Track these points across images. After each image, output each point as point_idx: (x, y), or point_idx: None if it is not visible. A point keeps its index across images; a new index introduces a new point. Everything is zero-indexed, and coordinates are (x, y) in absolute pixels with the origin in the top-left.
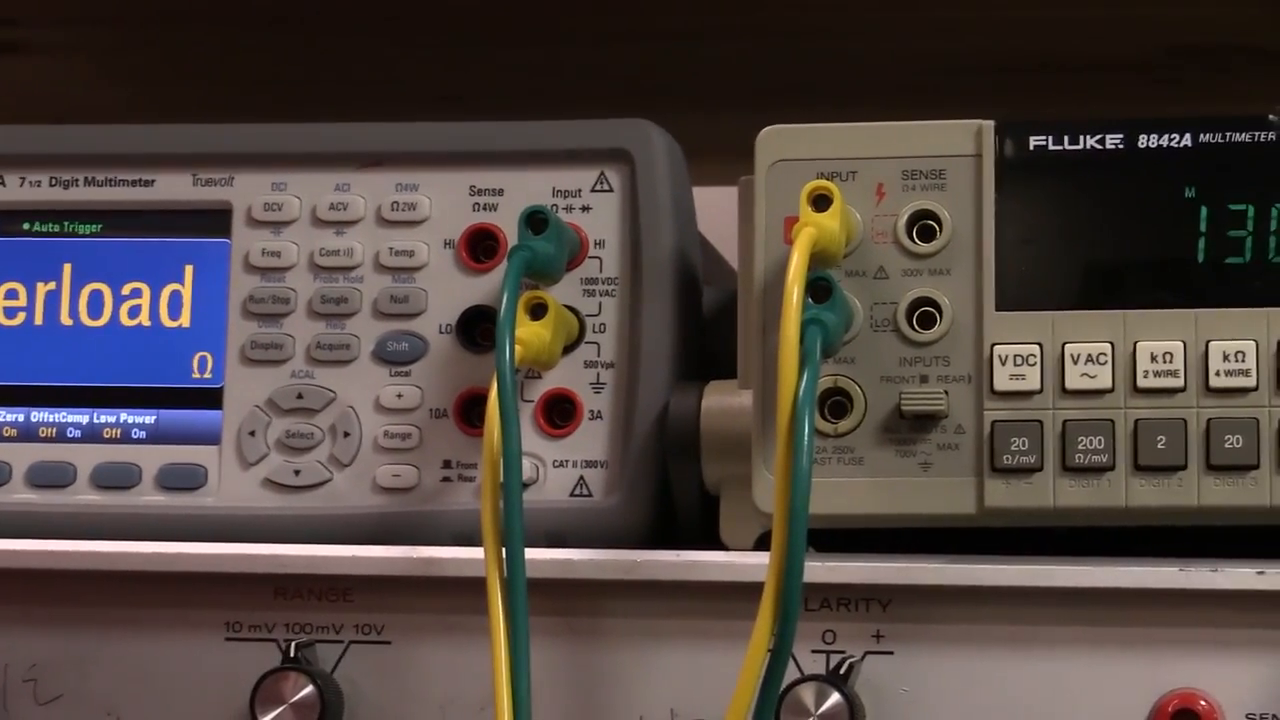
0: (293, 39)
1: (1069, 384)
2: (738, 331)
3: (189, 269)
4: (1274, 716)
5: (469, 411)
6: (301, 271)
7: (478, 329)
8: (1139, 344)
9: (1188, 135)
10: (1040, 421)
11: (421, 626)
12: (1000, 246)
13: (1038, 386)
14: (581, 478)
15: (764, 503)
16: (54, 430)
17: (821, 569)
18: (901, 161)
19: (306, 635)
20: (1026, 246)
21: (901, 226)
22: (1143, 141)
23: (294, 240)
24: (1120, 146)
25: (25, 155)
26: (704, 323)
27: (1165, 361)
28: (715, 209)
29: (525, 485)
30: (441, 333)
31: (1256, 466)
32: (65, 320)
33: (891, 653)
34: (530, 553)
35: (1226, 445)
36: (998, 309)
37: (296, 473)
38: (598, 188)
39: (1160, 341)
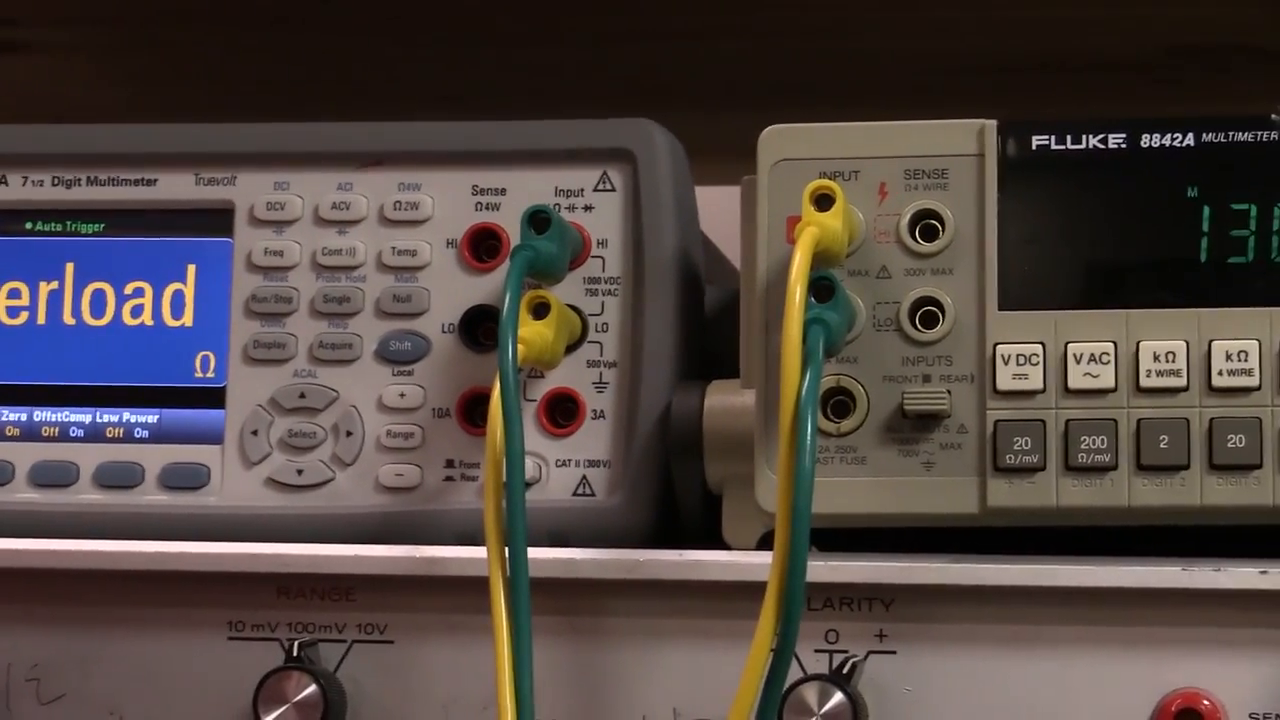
0: (293, 39)
1: (1072, 384)
2: (740, 331)
3: (191, 268)
4: (1277, 716)
5: (471, 411)
6: (304, 271)
7: (480, 328)
8: (1142, 344)
9: (1190, 135)
10: (1043, 421)
11: (424, 626)
12: (1003, 246)
13: (1040, 386)
14: (584, 477)
15: (767, 502)
16: (57, 430)
17: (824, 568)
18: (904, 161)
19: (309, 635)
20: (1029, 246)
21: (904, 226)
22: (1145, 141)
23: (296, 240)
24: (1123, 146)
25: (27, 155)
26: (706, 322)
27: (1168, 361)
28: (717, 208)
29: (528, 485)
30: (444, 332)
31: (1259, 466)
32: (68, 320)
33: (894, 652)
34: (533, 552)
35: (1229, 445)
36: (1000, 308)
37: (299, 472)
38: (600, 187)
39: (1163, 341)
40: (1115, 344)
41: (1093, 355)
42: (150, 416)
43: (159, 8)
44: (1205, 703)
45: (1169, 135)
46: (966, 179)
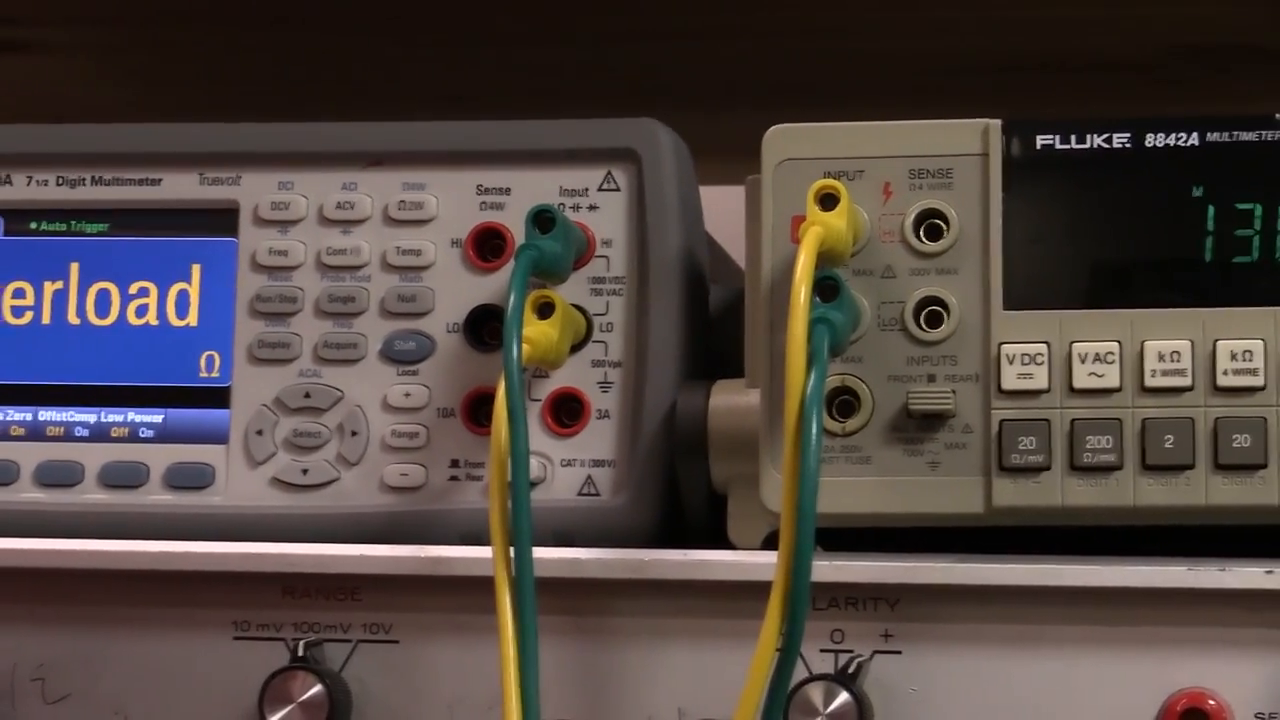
0: (295, 39)
1: (1077, 383)
2: (745, 330)
3: (196, 268)
4: None
5: (476, 411)
6: (309, 271)
7: (485, 328)
8: (1146, 343)
9: (1195, 134)
10: (1048, 421)
11: (430, 626)
12: (1007, 245)
13: (1045, 386)
14: (589, 477)
15: (772, 502)
16: (62, 429)
17: (829, 568)
18: (908, 160)
19: (315, 634)
20: (1034, 245)
21: (909, 225)
22: (1150, 140)
23: (301, 239)
24: (1127, 146)
25: (32, 154)
26: (711, 322)
27: (1173, 361)
28: (722, 208)
29: (533, 484)
30: (449, 332)
31: (1264, 465)
32: (73, 319)
33: (900, 652)
34: (538, 552)
35: (1234, 444)
36: (1005, 308)
37: (304, 472)
38: (605, 187)
39: (1168, 341)
40: (1120, 344)
41: (1098, 355)
42: (155, 416)
43: (162, 7)
44: (1211, 702)
45: (1174, 135)
46: (971, 178)
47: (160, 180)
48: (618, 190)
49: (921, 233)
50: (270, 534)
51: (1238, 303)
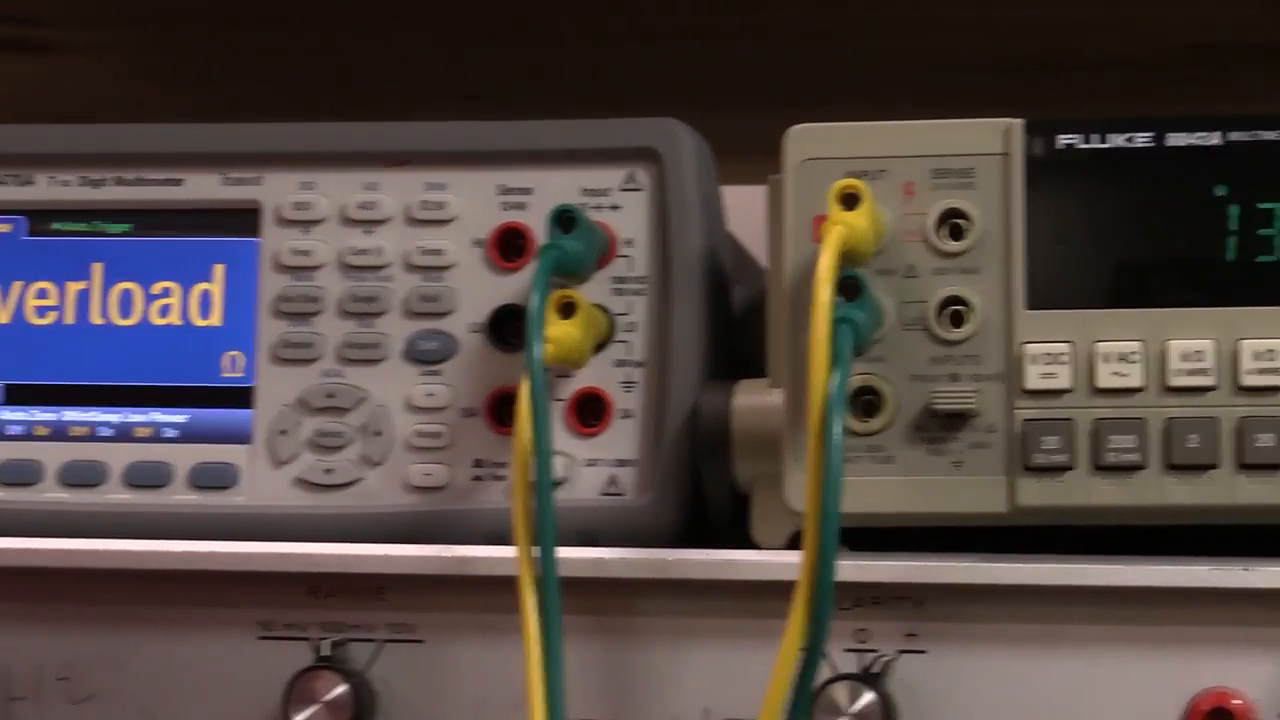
0: (319, 39)
1: (1100, 383)
2: (768, 330)
3: (219, 268)
4: None
5: (500, 410)
6: (331, 271)
7: (508, 328)
8: (1170, 342)
9: (1217, 133)
10: (1072, 420)
11: (454, 625)
12: (1030, 245)
13: (1069, 385)
14: (612, 476)
15: (796, 501)
16: (86, 430)
17: (853, 568)
18: (930, 160)
19: (339, 634)
20: (1056, 245)
21: (931, 225)
22: (1172, 139)
23: (323, 239)
24: (1150, 144)
25: (55, 155)
26: (734, 321)
27: (1196, 360)
28: (744, 209)
29: (556, 484)
30: (471, 332)
31: None
32: (96, 320)
33: (925, 651)
34: (562, 552)
35: (1258, 444)
36: (1028, 307)
37: (328, 471)
38: (626, 186)
39: (1191, 340)
40: (1143, 343)
41: (1121, 354)
42: (179, 416)
43: (185, 8)
44: (1236, 701)
45: (1196, 134)
46: (993, 178)
47: (183, 180)
48: (639, 190)
49: (944, 232)
50: (294, 534)
51: (1261, 302)
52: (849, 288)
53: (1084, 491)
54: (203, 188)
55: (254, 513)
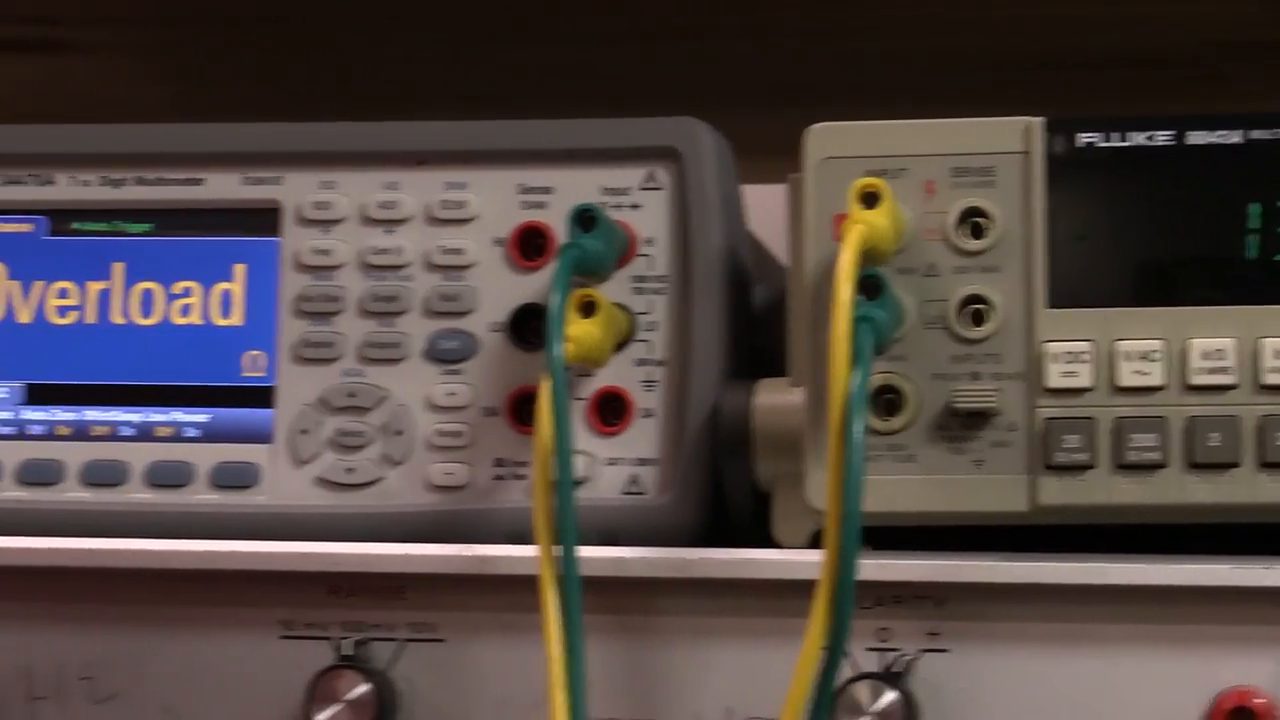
0: (337, 39)
1: (1121, 381)
2: (788, 329)
3: (240, 268)
4: None
5: (521, 410)
6: (351, 270)
7: (528, 327)
8: (1191, 341)
9: (1238, 131)
10: (1093, 419)
11: (476, 624)
12: (1050, 243)
13: (1090, 383)
14: (634, 475)
15: (817, 500)
16: (107, 429)
17: (875, 567)
18: (950, 159)
19: (361, 633)
20: (1077, 243)
21: (951, 223)
22: (1193, 138)
23: (343, 239)
24: (1170, 143)
25: (75, 155)
26: (755, 320)
27: (1217, 359)
28: (763, 208)
29: (577, 483)
30: (492, 331)
31: None
32: (117, 319)
33: (947, 650)
34: (583, 551)
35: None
36: (1048, 306)
37: (349, 471)
38: (647, 185)
39: (1212, 339)
40: (1164, 341)
41: (1142, 353)
42: (200, 416)
43: (205, 7)
44: (1259, 700)
45: (1217, 132)
46: (1013, 176)
47: (203, 180)
48: (660, 189)
49: (964, 231)
50: (315, 533)
51: None
52: (869, 286)
53: (1105, 490)
54: (223, 187)
55: (275, 512)
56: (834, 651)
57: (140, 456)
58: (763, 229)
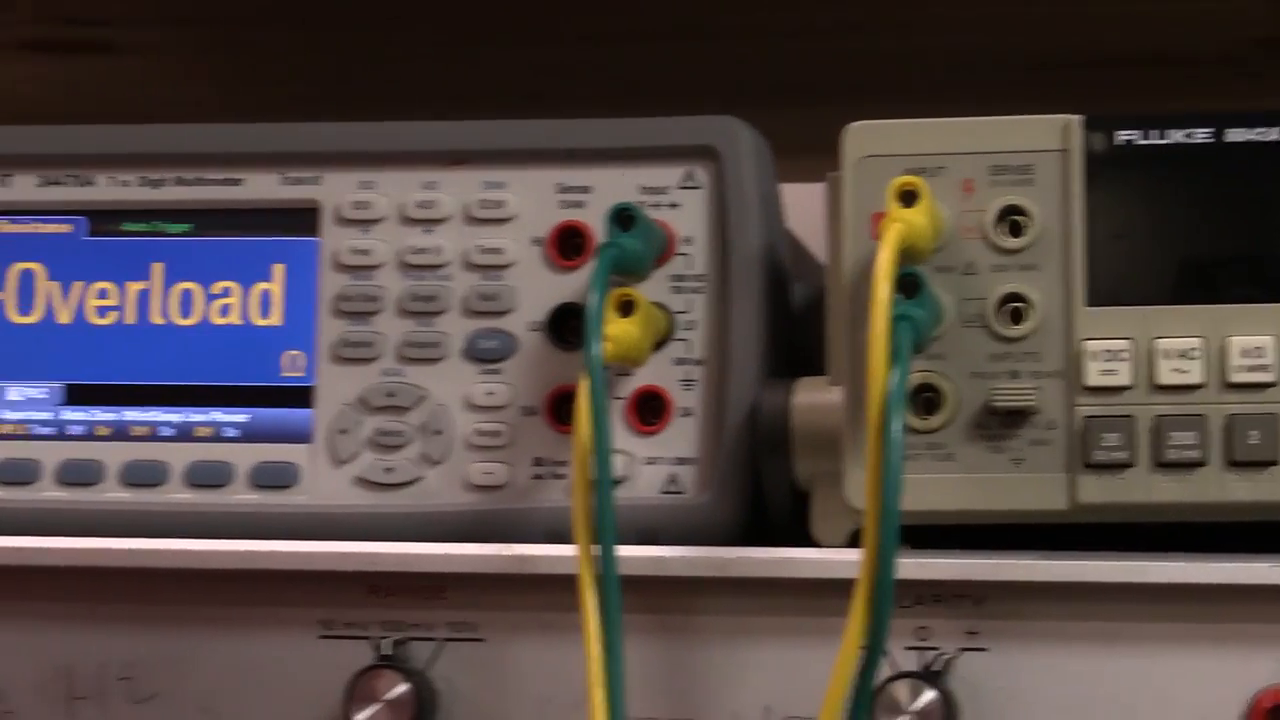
0: (374, 39)
1: (1160, 379)
2: (827, 327)
3: (279, 268)
4: None
5: (559, 409)
6: (390, 270)
7: (567, 326)
8: (1230, 339)
9: (1277, 129)
10: (1132, 417)
11: (515, 624)
12: (1089, 241)
13: (1129, 382)
14: (672, 475)
15: (856, 499)
16: (147, 429)
17: (914, 565)
18: (989, 157)
19: (400, 633)
20: (1116, 241)
21: (990, 222)
22: (1231, 135)
23: (382, 239)
24: (1209, 140)
25: (115, 155)
26: (793, 319)
27: (1256, 356)
28: (801, 206)
29: (616, 482)
30: (531, 330)
31: None
32: (156, 319)
33: (986, 649)
34: (622, 550)
35: None
36: (1087, 304)
37: (388, 470)
38: (685, 184)
39: (1251, 336)
40: (1203, 339)
41: (1181, 351)
42: (240, 416)
43: (245, 9)
44: None
45: (1256, 129)
46: (1052, 174)
47: (242, 180)
48: (698, 188)
49: (1003, 229)
50: (355, 533)
51: None
52: (908, 285)
53: (1144, 488)
54: (262, 187)
55: (314, 512)
56: (873, 650)
57: (180, 457)
58: (801, 227)
